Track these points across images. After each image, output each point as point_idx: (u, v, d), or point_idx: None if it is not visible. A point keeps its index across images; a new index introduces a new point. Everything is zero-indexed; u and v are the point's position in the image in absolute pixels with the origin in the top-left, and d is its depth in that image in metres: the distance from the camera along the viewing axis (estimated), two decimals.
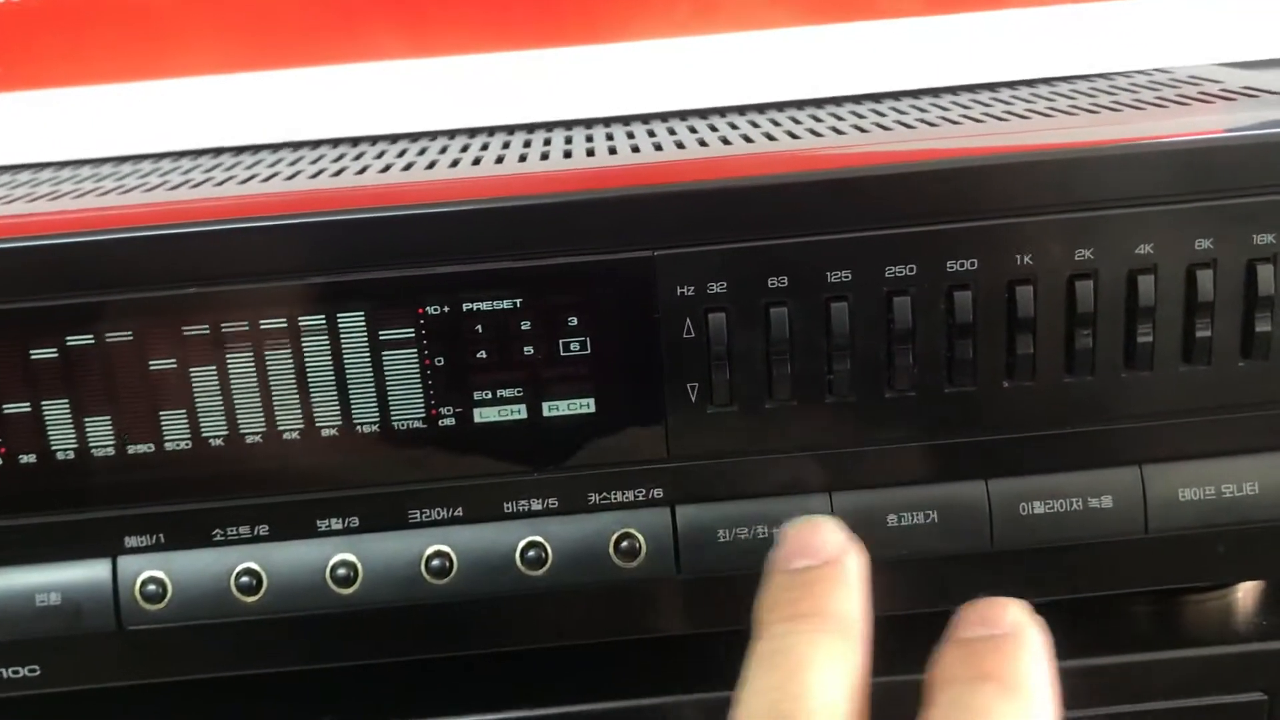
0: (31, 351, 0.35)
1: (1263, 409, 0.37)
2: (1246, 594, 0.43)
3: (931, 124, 0.42)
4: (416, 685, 0.40)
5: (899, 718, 0.30)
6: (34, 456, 0.36)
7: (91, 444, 0.36)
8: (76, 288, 0.35)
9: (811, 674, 0.29)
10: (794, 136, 0.42)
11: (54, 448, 0.36)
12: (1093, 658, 0.40)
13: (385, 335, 0.36)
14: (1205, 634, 0.41)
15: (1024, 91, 0.47)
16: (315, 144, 0.50)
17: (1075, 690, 0.40)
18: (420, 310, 0.36)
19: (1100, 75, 0.49)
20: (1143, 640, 0.41)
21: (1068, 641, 0.40)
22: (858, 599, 0.31)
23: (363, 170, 0.42)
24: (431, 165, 0.43)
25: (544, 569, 0.37)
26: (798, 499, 0.37)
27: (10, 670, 0.38)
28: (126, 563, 0.37)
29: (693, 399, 0.36)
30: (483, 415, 0.37)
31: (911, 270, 0.35)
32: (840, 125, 0.43)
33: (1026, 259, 0.35)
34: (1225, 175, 0.35)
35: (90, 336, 0.36)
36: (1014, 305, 0.35)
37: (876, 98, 0.49)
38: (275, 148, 0.49)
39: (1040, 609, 0.40)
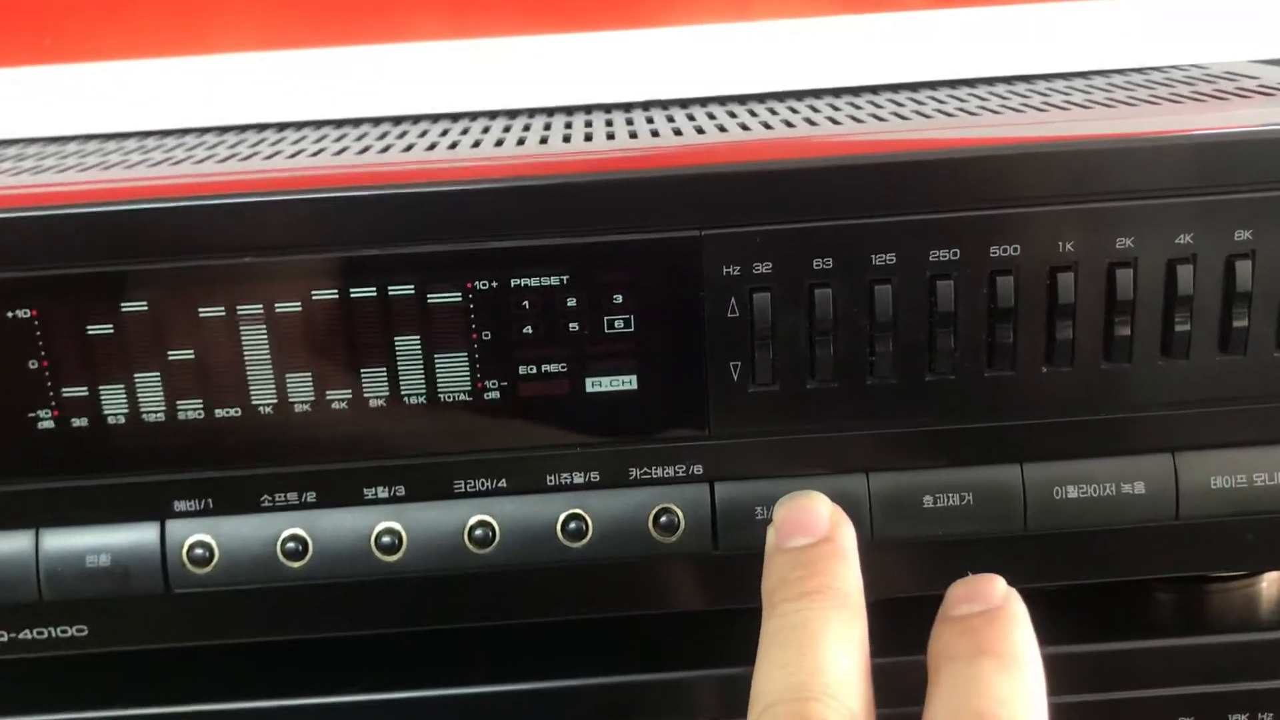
0: (86, 317, 0.36)
1: None
2: (1272, 583, 0.43)
3: (972, 113, 0.42)
4: (456, 653, 0.41)
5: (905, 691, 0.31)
6: (86, 420, 0.37)
7: (142, 409, 0.37)
8: (130, 255, 0.36)
9: (825, 647, 0.30)
10: (834, 122, 0.42)
11: (105, 412, 0.37)
12: (1119, 642, 0.41)
13: (434, 309, 0.36)
14: (1231, 621, 0.42)
15: (1060, 84, 0.48)
16: (357, 122, 0.50)
17: (1101, 674, 0.41)
18: (469, 284, 0.36)
19: (1135, 70, 0.50)
20: (1169, 626, 0.41)
21: (1095, 626, 0.41)
22: (856, 571, 0.32)
23: (408, 148, 0.43)
24: (476, 144, 0.43)
25: (584, 541, 0.38)
26: (835, 478, 0.38)
27: (59, 629, 0.39)
28: (175, 526, 0.38)
29: (735, 378, 0.37)
30: (528, 389, 0.37)
31: (955, 255, 0.36)
32: (880, 112, 0.43)
33: (1068, 246, 0.36)
34: (1264, 167, 0.36)
35: (145, 304, 0.36)
36: (1054, 291, 0.36)
37: (914, 87, 0.49)
38: (319, 124, 0.50)
39: (1069, 593, 0.41)
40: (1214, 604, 0.43)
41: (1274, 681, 0.40)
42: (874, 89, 0.50)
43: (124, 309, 0.36)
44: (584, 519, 0.38)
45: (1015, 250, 0.36)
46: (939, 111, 0.43)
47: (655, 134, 0.43)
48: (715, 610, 0.40)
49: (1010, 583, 0.39)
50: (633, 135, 0.43)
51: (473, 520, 0.38)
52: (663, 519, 0.38)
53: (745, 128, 0.42)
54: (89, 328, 0.36)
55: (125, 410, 0.37)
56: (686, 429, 0.38)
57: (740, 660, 0.40)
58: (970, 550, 0.38)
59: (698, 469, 0.38)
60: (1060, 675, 0.40)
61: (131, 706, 0.40)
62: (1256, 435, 0.38)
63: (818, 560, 0.32)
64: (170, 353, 0.37)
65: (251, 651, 0.40)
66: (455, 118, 0.50)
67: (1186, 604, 0.42)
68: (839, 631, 0.31)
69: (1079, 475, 0.38)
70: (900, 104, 0.45)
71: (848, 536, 0.33)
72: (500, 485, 0.38)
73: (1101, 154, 0.36)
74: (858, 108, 0.45)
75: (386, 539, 0.38)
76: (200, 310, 0.36)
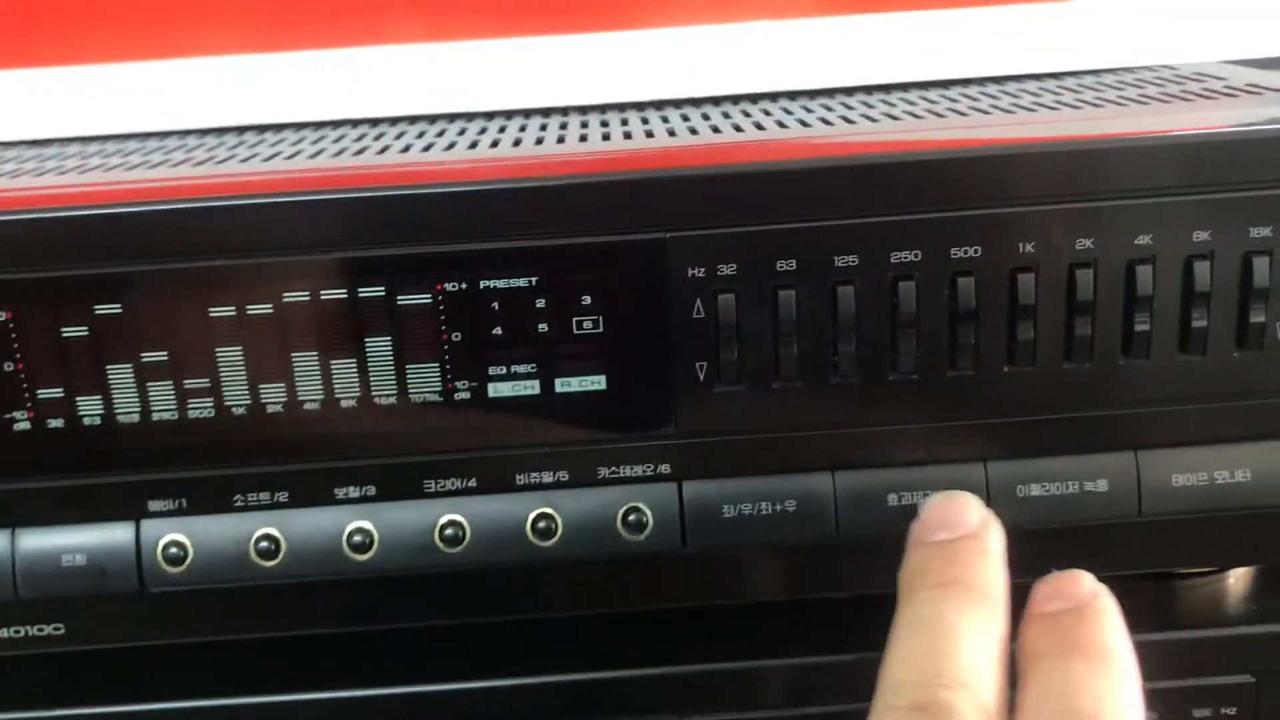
0: (60, 320, 0.37)
1: (1256, 398, 0.38)
2: (1238, 579, 0.44)
3: (940, 115, 0.43)
4: (427, 651, 0.42)
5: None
6: (61, 421, 0.37)
7: (117, 410, 0.37)
8: (105, 258, 0.36)
9: (961, 637, 0.30)
10: (805, 125, 0.43)
11: (81, 413, 0.37)
12: None
13: (404, 310, 0.37)
14: (1196, 617, 0.42)
15: (1031, 86, 0.48)
16: (336, 124, 0.51)
17: None
18: (439, 286, 0.37)
19: (1108, 70, 0.50)
20: (1134, 622, 0.42)
21: None
22: (1001, 571, 0.32)
23: (384, 150, 0.43)
24: (450, 147, 0.44)
25: (554, 540, 0.38)
26: (801, 476, 0.38)
27: (36, 628, 0.39)
28: (150, 526, 0.38)
29: (701, 378, 0.37)
30: (497, 390, 0.38)
31: (916, 256, 0.36)
32: (850, 115, 0.44)
33: (1029, 247, 0.36)
34: (1223, 169, 0.36)
35: (118, 306, 0.37)
36: (1016, 292, 0.36)
37: (887, 89, 0.50)
38: (298, 127, 0.50)
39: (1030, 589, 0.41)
40: (1180, 600, 0.43)
41: (1237, 676, 0.41)
42: (849, 90, 0.50)
43: (98, 311, 0.37)
44: (553, 518, 0.38)
45: (976, 251, 0.36)
46: (908, 114, 0.43)
47: (628, 136, 0.43)
48: (684, 608, 0.40)
49: None
50: (605, 138, 0.43)
51: (443, 520, 0.38)
52: (631, 518, 0.38)
53: (716, 130, 0.43)
54: (63, 330, 0.37)
55: (100, 411, 0.37)
56: (654, 428, 0.38)
57: (707, 657, 0.41)
58: None
59: (665, 468, 0.38)
60: None
61: (107, 704, 0.40)
62: (1217, 434, 0.38)
63: (960, 553, 0.32)
64: (144, 354, 0.37)
65: (226, 649, 0.40)
66: (432, 119, 0.51)
67: (1153, 600, 0.43)
68: (976, 624, 0.30)
69: (1042, 473, 0.38)
70: (871, 106, 0.46)
71: (995, 536, 0.33)
72: (470, 485, 0.38)
73: (1063, 156, 0.36)
74: (829, 110, 0.46)
75: (358, 538, 0.38)
76: (172, 312, 0.37)
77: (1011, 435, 0.38)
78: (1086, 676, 0.30)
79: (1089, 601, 0.31)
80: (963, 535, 0.33)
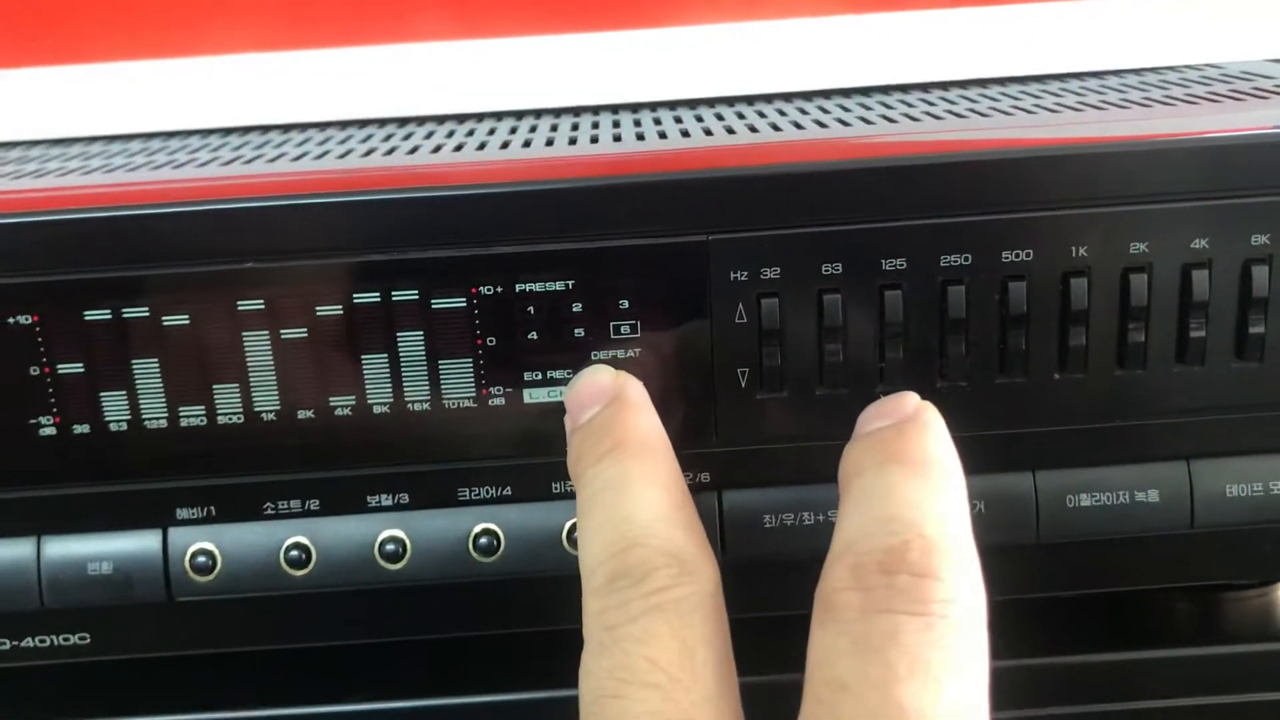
0: (87, 323, 0.36)
1: None
2: None
3: (983, 114, 0.42)
4: (458, 662, 0.41)
5: None
6: (88, 427, 0.37)
7: (144, 416, 0.37)
8: (133, 261, 0.36)
9: (632, 495, 0.31)
10: (844, 124, 0.42)
11: (108, 419, 0.37)
12: (1134, 652, 0.40)
13: (438, 314, 0.36)
14: (1246, 631, 0.41)
15: (1074, 85, 0.47)
16: (363, 123, 0.50)
17: (1116, 684, 0.40)
18: (473, 290, 0.36)
19: (1151, 70, 0.49)
20: (1184, 636, 0.41)
21: (1109, 636, 0.41)
22: (648, 416, 0.33)
23: (413, 150, 0.43)
24: (482, 146, 0.43)
25: None
26: None
27: (61, 637, 0.38)
28: (177, 534, 0.38)
29: (743, 384, 0.36)
30: (533, 396, 0.37)
31: (966, 260, 0.35)
32: (890, 114, 0.43)
33: (1081, 251, 0.35)
34: (1276, 171, 0.35)
35: (146, 309, 0.36)
36: (1068, 297, 0.35)
37: (925, 87, 0.49)
38: (323, 126, 0.49)
39: (1083, 602, 0.40)
40: (1229, 614, 0.42)
41: None
42: (884, 89, 0.49)
43: (126, 315, 0.36)
44: None
45: (1028, 255, 0.35)
46: (950, 113, 0.42)
47: (663, 136, 0.42)
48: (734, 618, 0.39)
49: (1020, 591, 0.39)
50: (640, 137, 0.42)
51: (478, 528, 0.37)
52: None
53: (754, 129, 0.42)
54: (91, 334, 0.36)
55: (127, 417, 0.37)
56: (694, 436, 0.37)
57: (752, 670, 0.40)
58: (981, 559, 0.38)
59: (705, 476, 0.37)
60: (1075, 685, 0.40)
61: (132, 716, 0.39)
62: (1273, 443, 0.37)
63: (607, 422, 0.33)
64: (172, 359, 0.36)
65: (254, 660, 0.40)
66: (461, 119, 0.50)
67: (1202, 614, 0.42)
68: (642, 476, 0.31)
69: (1092, 483, 0.37)
70: (910, 105, 0.45)
71: (633, 389, 0.33)
72: (505, 493, 0.37)
73: (1116, 157, 0.35)
74: (868, 109, 0.45)
75: (390, 547, 0.37)
76: (201, 316, 0.36)
77: (1061, 444, 0.37)
78: (905, 480, 0.29)
79: (912, 416, 0.31)
80: (605, 404, 0.33)
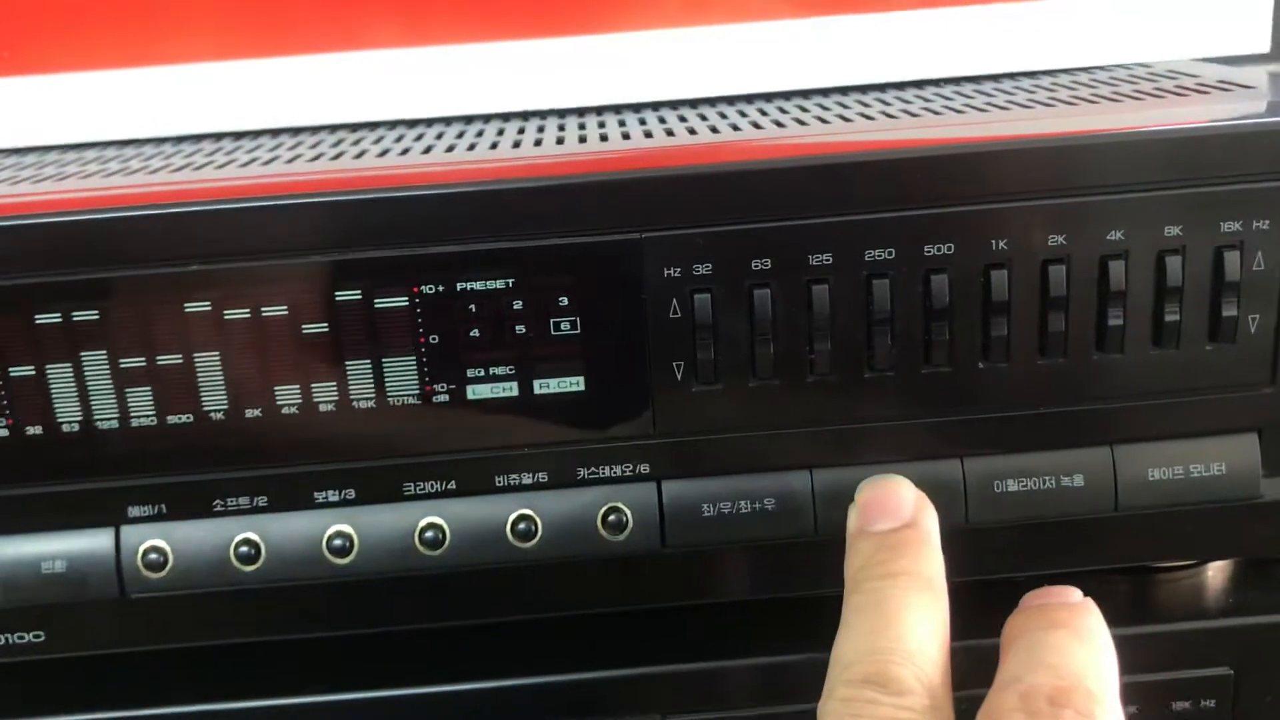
0: (38, 327, 0.37)
1: (1229, 391, 0.38)
2: (1216, 572, 0.44)
3: (914, 114, 0.43)
4: (408, 654, 0.42)
5: None
6: (40, 428, 0.37)
7: (96, 416, 0.37)
8: (83, 265, 0.36)
9: (906, 622, 0.32)
10: (780, 125, 0.43)
11: (59, 420, 0.37)
12: None
13: (381, 313, 0.37)
14: (1175, 610, 0.42)
15: (1006, 84, 0.48)
16: (314, 130, 0.51)
17: None
18: (416, 289, 0.37)
19: (1082, 69, 0.50)
20: (1114, 615, 0.42)
21: None
22: (939, 557, 0.34)
23: (360, 155, 0.43)
24: (427, 150, 0.44)
25: (533, 541, 0.38)
26: (779, 475, 0.38)
27: (16, 636, 0.39)
28: (129, 532, 0.38)
29: (678, 377, 0.38)
30: (475, 392, 0.38)
31: (890, 254, 0.36)
32: (825, 115, 0.44)
33: (1002, 244, 0.36)
34: (1193, 165, 0.36)
35: (95, 312, 0.37)
36: (989, 289, 0.37)
37: (863, 89, 0.50)
38: (275, 133, 0.50)
39: (1012, 585, 0.41)
40: (1159, 593, 0.43)
41: (1216, 669, 0.41)
42: (825, 92, 0.50)
43: (75, 317, 0.37)
44: (533, 519, 0.38)
45: (949, 249, 0.36)
46: (883, 114, 0.44)
47: (604, 138, 0.43)
48: (664, 607, 0.40)
49: (952, 575, 0.40)
50: (582, 140, 0.43)
51: (423, 522, 0.38)
52: (611, 518, 0.38)
53: (692, 131, 0.43)
54: (40, 337, 0.37)
55: (79, 417, 0.37)
56: (632, 429, 0.38)
57: (689, 657, 0.41)
58: None
59: (644, 468, 0.39)
60: None
61: (89, 712, 0.40)
62: (1192, 427, 0.39)
63: (901, 545, 0.34)
64: (122, 360, 0.37)
65: (208, 655, 0.40)
66: (411, 124, 0.51)
67: (1132, 594, 0.43)
68: (921, 611, 0.32)
69: (1019, 469, 0.39)
70: (846, 106, 0.46)
71: (931, 522, 0.35)
72: (450, 487, 0.38)
73: (1035, 153, 0.36)
74: (805, 110, 0.46)
75: (338, 542, 0.38)
76: (149, 318, 0.37)
77: (987, 431, 0.38)
78: (1068, 642, 0.31)
79: (1075, 599, 0.33)
80: (902, 524, 0.34)
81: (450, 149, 0.44)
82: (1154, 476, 0.39)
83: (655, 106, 0.50)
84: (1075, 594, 0.34)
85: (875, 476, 0.36)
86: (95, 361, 0.37)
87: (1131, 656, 0.41)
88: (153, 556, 0.38)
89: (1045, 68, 0.50)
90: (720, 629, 0.42)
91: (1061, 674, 0.30)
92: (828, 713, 0.31)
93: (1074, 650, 0.31)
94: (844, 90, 0.50)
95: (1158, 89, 0.44)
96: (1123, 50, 0.50)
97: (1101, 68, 0.50)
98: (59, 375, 0.37)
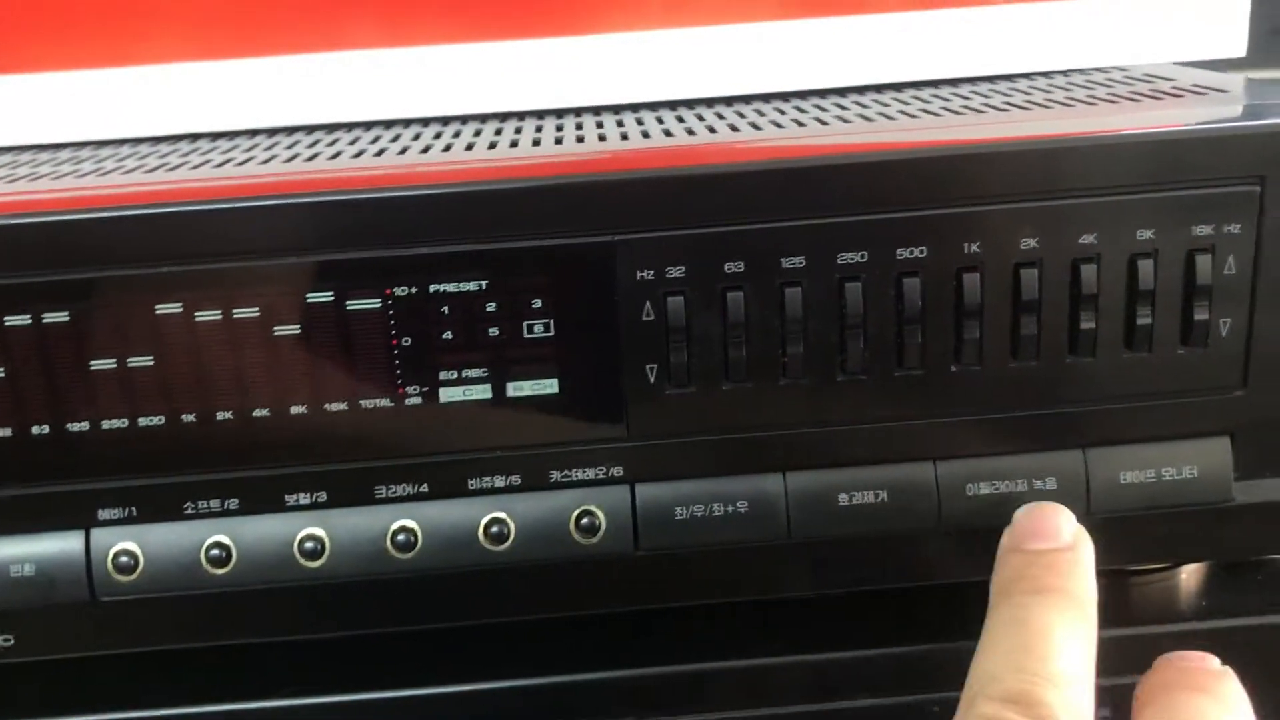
0: (7, 329, 0.36)
1: (1201, 395, 0.38)
2: (1190, 575, 0.44)
3: (890, 117, 0.43)
4: (381, 658, 0.41)
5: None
6: (9, 430, 0.37)
7: (66, 419, 0.37)
8: (53, 266, 0.36)
9: (1056, 639, 0.31)
10: (756, 128, 0.43)
11: (29, 422, 0.37)
12: None
13: (354, 315, 0.37)
14: (1148, 613, 0.42)
15: (982, 87, 0.49)
16: (290, 130, 0.50)
17: None
18: (388, 291, 0.37)
19: (1059, 72, 0.50)
20: None
21: None
22: (1093, 583, 0.33)
23: (336, 156, 0.43)
24: (403, 151, 0.44)
25: (506, 544, 0.38)
26: (752, 478, 0.38)
27: None
28: (99, 535, 0.38)
29: (652, 380, 0.37)
30: (448, 394, 0.38)
31: (863, 257, 0.36)
32: (802, 118, 0.44)
33: (974, 247, 0.36)
34: (1166, 168, 0.36)
35: (65, 313, 0.36)
36: (962, 292, 0.37)
37: (840, 92, 0.50)
38: (251, 133, 0.50)
39: (987, 588, 0.41)
40: (1133, 597, 0.43)
41: None
42: (802, 95, 0.50)
43: (45, 319, 0.36)
44: (506, 522, 0.38)
45: (922, 252, 0.36)
46: (859, 116, 0.44)
47: (581, 140, 0.43)
48: (636, 611, 0.40)
49: (924, 578, 0.40)
50: (559, 141, 0.43)
51: (395, 525, 0.38)
52: (584, 521, 0.38)
53: (669, 133, 0.43)
54: (9, 338, 0.36)
55: (49, 419, 0.37)
56: (606, 431, 0.38)
57: (665, 660, 0.41)
58: (885, 546, 0.39)
59: (618, 471, 0.38)
60: None
61: (58, 716, 0.40)
62: (1164, 431, 0.39)
63: (1056, 563, 0.33)
64: (92, 361, 0.37)
65: (179, 658, 0.40)
66: (389, 124, 0.51)
67: (1105, 597, 0.43)
68: (1071, 629, 0.32)
69: (991, 472, 0.39)
70: (824, 109, 0.46)
71: (1087, 550, 0.34)
72: (422, 490, 0.38)
73: (1008, 156, 0.37)
74: (783, 113, 0.46)
75: (310, 545, 0.38)
76: (119, 319, 0.37)
77: (960, 434, 0.38)
78: (1211, 708, 0.31)
79: (1216, 666, 0.33)
80: (1058, 546, 0.34)
81: (425, 150, 0.43)
82: (1126, 480, 0.39)
83: (634, 109, 0.50)
84: (1215, 661, 0.34)
85: (1037, 503, 0.36)
86: (64, 362, 0.37)
87: (1105, 660, 0.41)
88: (123, 559, 0.38)
89: (1022, 71, 0.50)
90: (694, 632, 0.42)
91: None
92: None
93: (1216, 716, 0.31)
94: (821, 93, 0.50)
95: (1133, 92, 0.44)
96: (1100, 54, 0.50)
97: (1079, 71, 0.50)
98: (28, 377, 0.37)
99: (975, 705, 0.30)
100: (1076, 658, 0.31)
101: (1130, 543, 0.40)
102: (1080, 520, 0.39)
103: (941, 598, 0.40)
